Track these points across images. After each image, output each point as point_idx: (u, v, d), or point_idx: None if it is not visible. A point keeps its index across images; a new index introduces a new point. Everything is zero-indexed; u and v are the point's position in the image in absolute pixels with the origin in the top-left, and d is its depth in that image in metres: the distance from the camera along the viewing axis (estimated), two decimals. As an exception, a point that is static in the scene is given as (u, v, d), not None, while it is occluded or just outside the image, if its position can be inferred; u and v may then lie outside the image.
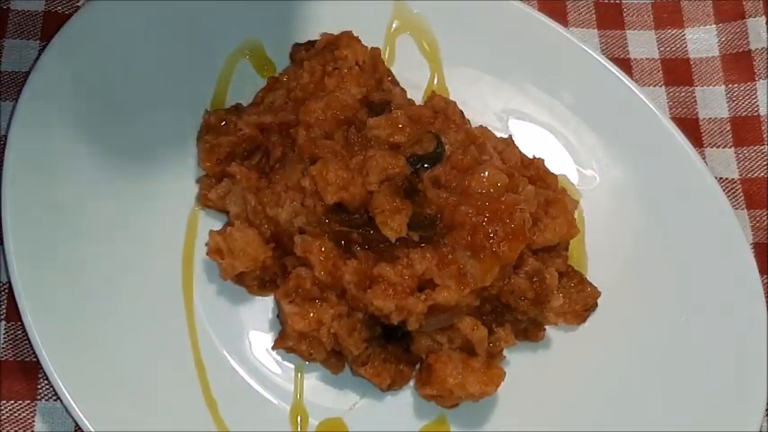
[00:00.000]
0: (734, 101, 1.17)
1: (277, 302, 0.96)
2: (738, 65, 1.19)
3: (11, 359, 0.94)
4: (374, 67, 1.05)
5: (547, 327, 1.00)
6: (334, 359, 0.96)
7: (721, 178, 1.12)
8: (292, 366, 0.96)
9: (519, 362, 0.98)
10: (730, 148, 1.15)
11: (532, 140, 1.07)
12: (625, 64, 1.17)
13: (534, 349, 1.00)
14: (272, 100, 1.03)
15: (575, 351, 1.00)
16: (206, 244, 0.97)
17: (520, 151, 1.04)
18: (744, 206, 1.11)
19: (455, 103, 1.06)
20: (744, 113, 1.16)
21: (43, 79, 0.97)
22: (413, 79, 1.09)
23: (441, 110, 1.04)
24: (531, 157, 1.05)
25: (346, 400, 0.96)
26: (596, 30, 1.20)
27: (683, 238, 1.03)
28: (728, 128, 1.16)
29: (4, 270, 0.91)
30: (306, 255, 0.93)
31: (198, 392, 0.92)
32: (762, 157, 1.14)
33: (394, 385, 0.95)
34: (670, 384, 0.97)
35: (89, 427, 0.86)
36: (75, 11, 1.01)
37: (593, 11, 1.21)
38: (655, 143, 1.07)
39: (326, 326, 0.92)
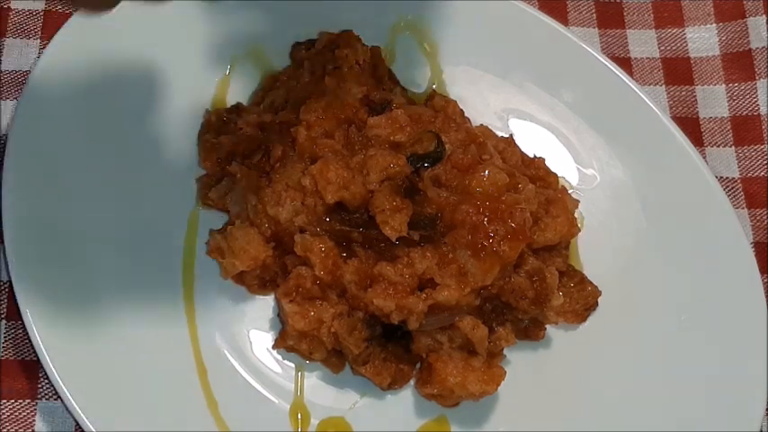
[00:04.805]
0: (734, 100, 1.17)
1: (277, 302, 0.96)
2: (739, 64, 1.19)
3: (11, 358, 0.94)
4: (374, 67, 1.05)
5: (547, 326, 1.00)
6: (335, 358, 0.95)
7: (722, 177, 1.12)
8: (293, 366, 0.96)
9: (519, 361, 0.98)
10: (731, 147, 1.15)
11: (533, 140, 1.07)
12: (625, 63, 1.17)
13: (534, 349, 1.00)
14: (273, 99, 1.03)
15: (575, 351, 1.00)
16: (206, 243, 0.97)
17: (520, 150, 1.04)
18: (744, 205, 1.11)
19: (455, 102, 1.06)
20: (744, 113, 1.16)
21: (43, 79, 0.97)
22: (413, 79, 1.09)
23: (441, 109, 1.04)
24: (531, 156, 1.05)
25: (347, 399, 0.95)
26: (597, 29, 1.20)
27: (683, 237, 1.03)
28: (729, 127, 1.16)
29: (4, 270, 0.91)
30: (306, 254, 0.93)
31: (198, 392, 0.92)
32: (762, 157, 1.14)
33: (394, 384, 0.95)
34: (670, 384, 0.97)
35: (89, 426, 0.86)
36: (76, 10, 1.01)
37: (594, 10, 1.21)
38: (655, 142, 1.07)
39: (327, 325, 0.92)
